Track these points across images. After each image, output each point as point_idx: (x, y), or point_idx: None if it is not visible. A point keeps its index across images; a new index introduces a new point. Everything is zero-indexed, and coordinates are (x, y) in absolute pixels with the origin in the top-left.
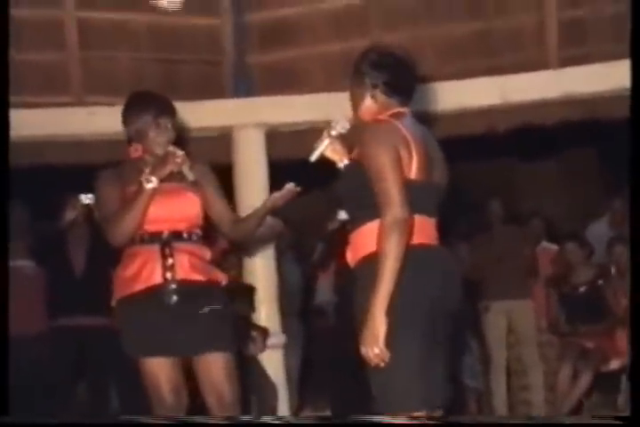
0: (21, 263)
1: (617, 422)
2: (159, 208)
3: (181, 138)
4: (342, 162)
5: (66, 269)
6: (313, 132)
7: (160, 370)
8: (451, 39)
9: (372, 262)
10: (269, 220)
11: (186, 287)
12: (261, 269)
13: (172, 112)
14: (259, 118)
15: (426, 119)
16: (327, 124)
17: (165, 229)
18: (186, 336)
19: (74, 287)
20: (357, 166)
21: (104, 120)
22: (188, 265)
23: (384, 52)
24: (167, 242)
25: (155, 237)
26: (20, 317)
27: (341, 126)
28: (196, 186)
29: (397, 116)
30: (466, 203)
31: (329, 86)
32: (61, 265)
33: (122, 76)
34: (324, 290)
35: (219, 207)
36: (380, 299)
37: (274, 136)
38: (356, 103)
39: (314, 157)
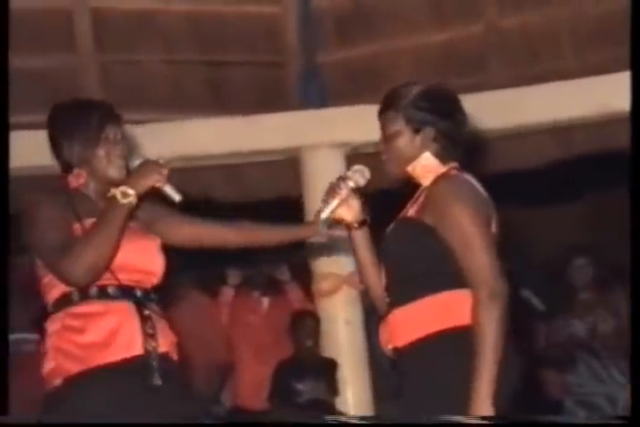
0: (21, 337)
1: (617, 422)
2: (124, 251)
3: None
4: (355, 222)
5: None
6: None
7: None
8: (591, 20)
9: (437, 343)
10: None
11: (167, 365)
12: (346, 338)
13: (118, 120)
14: (336, 136)
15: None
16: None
17: (133, 281)
18: None
19: None
20: (414, 229)
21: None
22: (169, 335)
23: (440, 95)
24: (142, 300)
25: (123, 291)
26: (21, 400)
27: (361, 176)
28: (146, 226)
29: (456, 168)
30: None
31: None
32: None
33: (153, 86)
34: None
35: (194, 224)
36: (486, 385)
37: (355, 159)
38: (402, 154)
39: (324, 215)
